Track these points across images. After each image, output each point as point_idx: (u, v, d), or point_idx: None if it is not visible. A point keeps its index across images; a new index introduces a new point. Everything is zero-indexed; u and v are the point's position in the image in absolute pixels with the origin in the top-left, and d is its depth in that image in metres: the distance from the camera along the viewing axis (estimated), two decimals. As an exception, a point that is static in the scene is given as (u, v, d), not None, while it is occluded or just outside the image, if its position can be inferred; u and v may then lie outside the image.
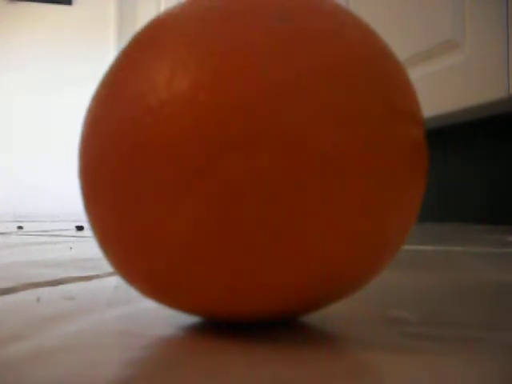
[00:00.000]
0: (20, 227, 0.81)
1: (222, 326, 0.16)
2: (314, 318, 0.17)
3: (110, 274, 0.28)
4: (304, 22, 0.13)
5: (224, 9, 0.14)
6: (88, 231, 0.73)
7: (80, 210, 2.05)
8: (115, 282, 0.26)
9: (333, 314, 0.18)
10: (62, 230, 0.78)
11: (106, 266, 0.32)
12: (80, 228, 0.78)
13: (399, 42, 0.99)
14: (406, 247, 0.47)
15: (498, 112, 0.88)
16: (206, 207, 0.12)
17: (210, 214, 0.12)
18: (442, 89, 0.90)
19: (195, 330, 0.16)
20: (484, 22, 0.81)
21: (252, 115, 0.12)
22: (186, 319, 0.17)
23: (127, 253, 0.14)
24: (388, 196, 0.13)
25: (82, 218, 1.37)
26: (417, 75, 0.96)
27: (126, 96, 0.13)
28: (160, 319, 0.17)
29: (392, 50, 0.15)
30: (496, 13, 0.78)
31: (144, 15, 2.13)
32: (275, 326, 0.16)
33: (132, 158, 0.13)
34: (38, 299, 0.21)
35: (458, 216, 1.04)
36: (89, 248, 0.45)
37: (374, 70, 0.14)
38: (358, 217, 0.13)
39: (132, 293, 0.22)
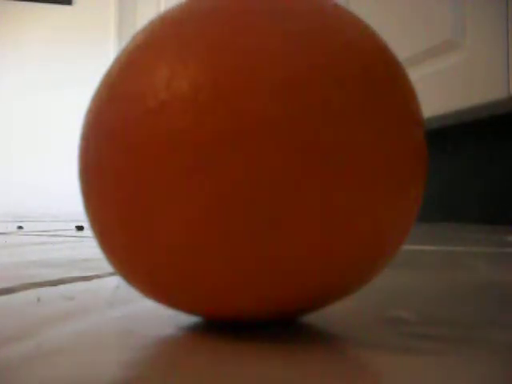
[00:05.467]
0: (20, 227, 0.81)
1: (222, 326, 0.16)
2: (314, 318, 0.17)
3: (110, 274, 0.28)
4: (304, 22, 0.13)
5: (224, 9, 0.14)
6: (88, 231, 0.73)
7: (80, 210, 2.05)
8: (115, 282, 0.26)
9: (333, 314, 0.18)
10: (62, 230, 0.78)
11: (106, 266, 0.32)
12: (80, 228, 0.78)
13: (399, 42, 0.99)
14: (406, 247, 0.47)
15: (498, 112, 0.88)
16: (206, 207, 0.12)
17: (210, 214, 0.12)
18: (441, 89, 0.90)
19: (195, 330, 0.16)
20: (484, 21, 0.81)
21: (252, 115, 0.12)
22: (186, 319, 0.17)
23: (127, 253, 0.14)
24: (388, 196, 0.13)
25: (82, 218, 1.37)
26: (417, 75, 0.96)
27: (126, 96, 0.13)
28: (160, 319, 0.17)
29: (392, 49, 0.15)
30: (496, 13, 0.78)
31: (144, 15, 2.13)
32: (275, 326, 0.16)
33: (132, 158, 0.13)
34: (38, 299, 0.21)
35: (458, 216, 1.04)
36: (89, 248, 0.45)
37: (373, 69, 0.14)
38: (357, 217, 0.13)
39: (132, 293, 0.22)
